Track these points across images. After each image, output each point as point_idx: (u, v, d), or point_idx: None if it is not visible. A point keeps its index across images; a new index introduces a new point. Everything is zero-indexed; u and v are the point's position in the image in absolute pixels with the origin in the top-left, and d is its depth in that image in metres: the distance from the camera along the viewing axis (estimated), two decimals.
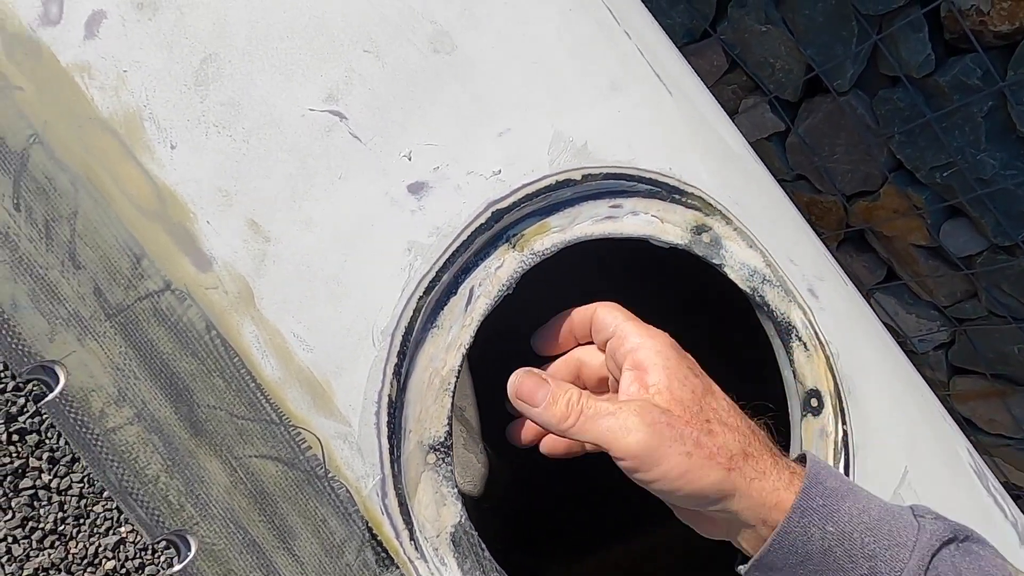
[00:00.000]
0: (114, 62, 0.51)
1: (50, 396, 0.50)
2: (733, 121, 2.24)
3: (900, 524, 0.49)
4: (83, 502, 1.55)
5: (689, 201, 0.63)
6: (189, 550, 0.51)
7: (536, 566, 1.31)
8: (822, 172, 2.07)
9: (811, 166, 2.09)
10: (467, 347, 0.56)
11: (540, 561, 1.32)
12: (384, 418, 0.53)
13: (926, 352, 2.21)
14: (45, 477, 1.56)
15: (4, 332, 0.48)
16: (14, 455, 1.53)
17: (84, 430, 0.50)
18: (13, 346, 0.48)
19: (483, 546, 0.55)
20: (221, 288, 0.51)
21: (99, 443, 0.50)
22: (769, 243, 0.65)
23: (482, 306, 0.57)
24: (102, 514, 1.56)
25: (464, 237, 0.56)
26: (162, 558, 1.62)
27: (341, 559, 0.52)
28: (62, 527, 1.54)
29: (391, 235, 0.55)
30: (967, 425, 2.18)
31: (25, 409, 1.54)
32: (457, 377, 0.56)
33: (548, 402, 0.52)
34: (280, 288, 0.52)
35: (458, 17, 0.58)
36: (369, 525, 0.53)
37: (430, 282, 0.55)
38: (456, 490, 0.54)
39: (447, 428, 0.55)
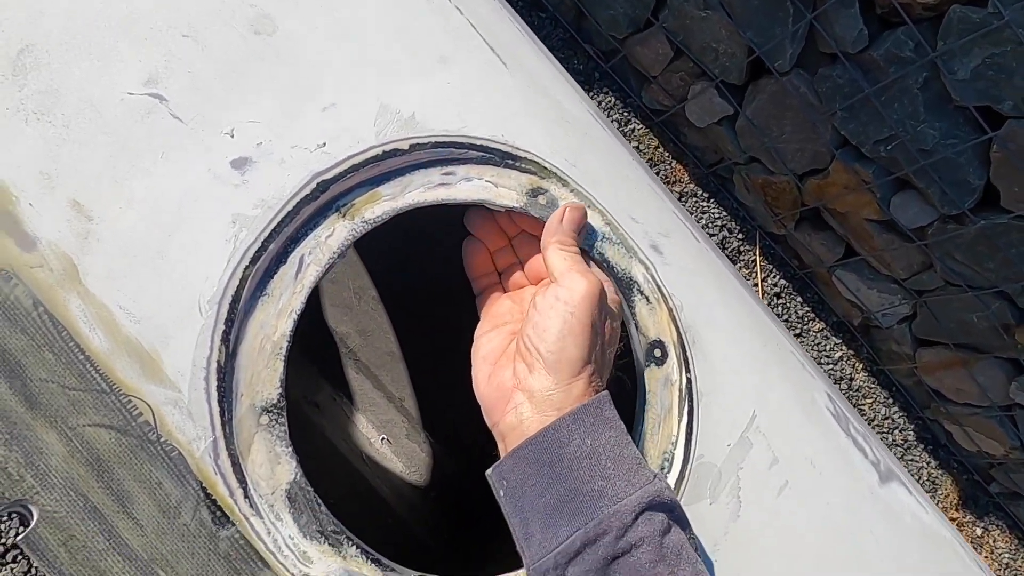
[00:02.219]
0: None
1: None
2: (683, 108, 2.26)
3: (642, 471, 0.56)
4: None
5: (523, 165, 0.65)
6: (32, 519, 0.54)
7: (484, 551, 1.33)
8: (773, 152, 2.08)
9: (762, 147, 2.10)
10: (298, 313, 0.58)
11: (487, 546, 1.34)
12: (214, 383, 0.55)
13: (891, 326, 2.21)
14: None
15: None
16: None
17: None
18: None
19: (319, 501, 0.57)
20: (46, 266, 0.54)
21: None
22: (610, 203, 0.67)
23: (312, 273, 0.59)
24: None
25: (290, 208, 0.58)
26: None
27: (178, 519, 0.55)
28: None
29: (215, 209, 0.57)
30: (936, 397, 2.18)
31: None
32: (289, 342, 0.58)
33: (574, 227, 0.62)
34: (105, 264, 0.55)
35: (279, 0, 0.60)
36: (203, 485, 0.55)
37: (256, 252, 0.57)
38: (291, 449, 0.57)
39: (279, 391, 0.57)
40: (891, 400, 2.32)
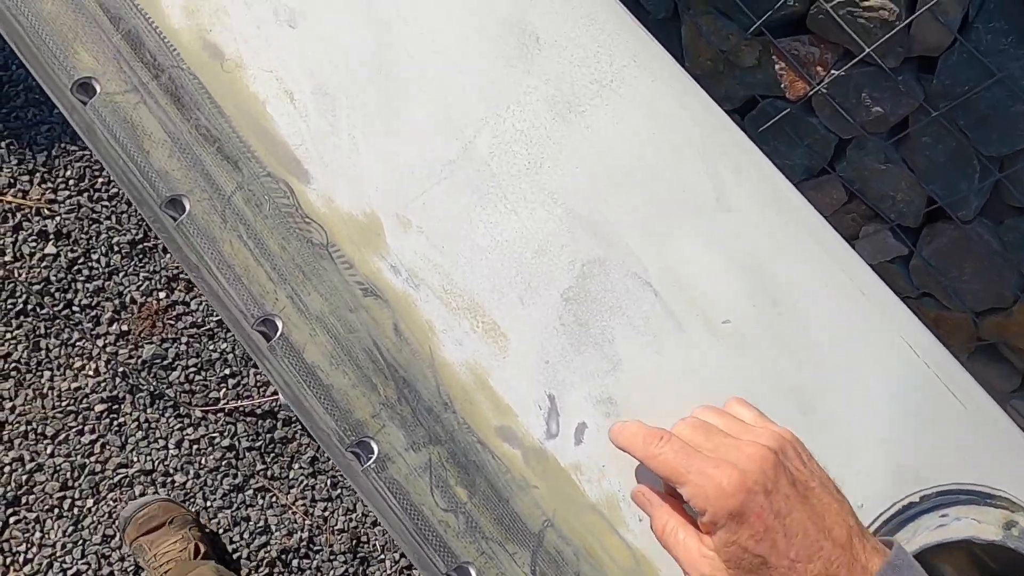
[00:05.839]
0: (596, 460, 0.69)
1: None
2: (853, 246, 2.33)
3: None
4: None
5: (997, 503, 0.78)
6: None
7: None
8: (950, 292, 2.16)
9: (938, 285, 2.18)
10: None
11: None
12: None
13: None
14: None
15: None
16: None
17: None
18: None
19: None
20: None
21: None
22: None
23: None
24: None
25: None
26: None
27: None
28: None
29: None
30: None
31: None
32: None
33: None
34: None
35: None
36: None
37: None
38: None
39: None
40: None
